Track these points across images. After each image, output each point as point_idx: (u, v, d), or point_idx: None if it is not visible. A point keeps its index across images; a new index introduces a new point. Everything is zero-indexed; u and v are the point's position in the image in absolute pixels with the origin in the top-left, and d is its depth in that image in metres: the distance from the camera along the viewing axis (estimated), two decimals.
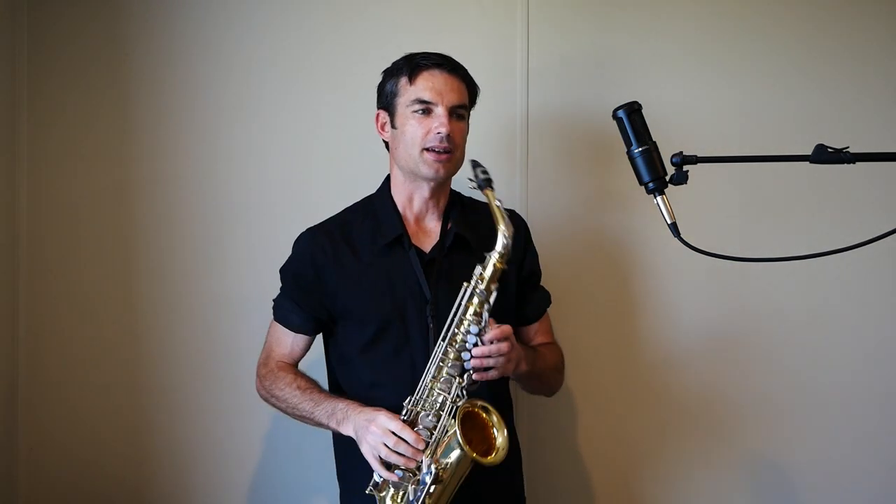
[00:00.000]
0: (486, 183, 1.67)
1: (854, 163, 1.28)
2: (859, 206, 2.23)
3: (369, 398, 1.72)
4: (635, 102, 1.42)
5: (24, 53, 2.17)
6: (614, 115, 1.42)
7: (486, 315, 1.62)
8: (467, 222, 1.81)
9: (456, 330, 1.64)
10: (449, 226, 1.81)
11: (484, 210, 1.79)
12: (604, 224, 2.25)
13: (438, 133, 1.70)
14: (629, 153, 1.41)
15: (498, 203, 1.64)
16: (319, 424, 1.75)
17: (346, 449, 1.80)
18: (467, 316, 1.63)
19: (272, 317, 1.87)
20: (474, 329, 1.62)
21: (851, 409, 2.27)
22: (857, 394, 2.27)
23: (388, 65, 1.83)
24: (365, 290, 1.77)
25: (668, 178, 1.38)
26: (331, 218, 1.87)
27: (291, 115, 2.22)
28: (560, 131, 2.25)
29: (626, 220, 2.24)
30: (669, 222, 1.37)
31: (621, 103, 1.42)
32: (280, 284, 1.88)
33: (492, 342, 1.61)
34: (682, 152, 1.34)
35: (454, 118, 1.74)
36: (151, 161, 2.20)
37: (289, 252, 1.86)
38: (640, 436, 2.27)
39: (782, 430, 2.27)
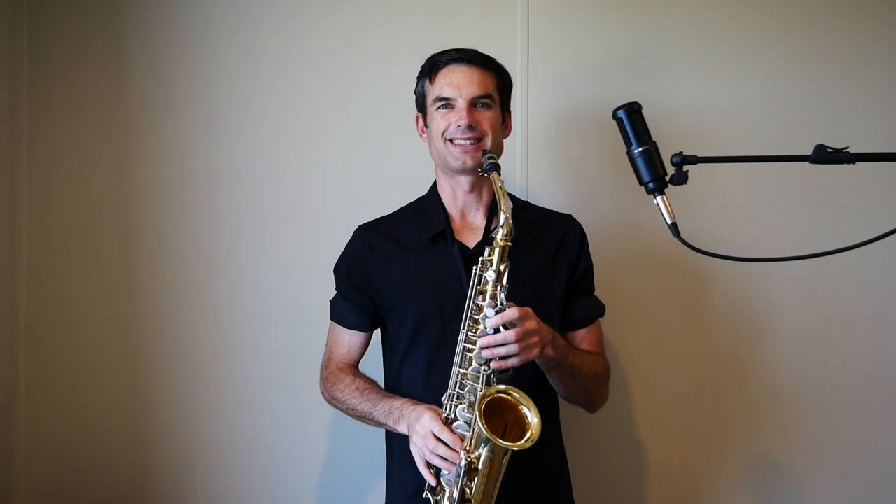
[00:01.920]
0: (491, 167, 1.68)
1: (854, 163, 1.28)
2: (859, 206, 2.23)
3: (413, 393, 1.72)
4: (635, 102, 1.41)
5: (24, 53, 2.17)
6: (614, 116, 1.42)
7: (501, 297, 1.57)
8: (516, 223, 1.69)
9: (475, 317, 1.61)
10: (495, 223, 1.77)
11: (536, 212, 1.84)
12: (604, 224, 2.24)
13: (458, 125, 1.73)
14: (629, 153, 1.41)
15: (500, 184, 1.65)
16: (379, 424, 1.74)
17: (392, 454, 1.82)
18: (486, 301, 1.59)
19: (329, 317, 1.88)
20: (490, 313, 1.56)
21: (852, 409, 2.27)
22: (857, 393, 2.27)
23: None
24: (407, 284, 1.78)
25: (667, 178, 1.37)
26: (383, 216, 1.90)
27: (293, 116, 2.22)
28: (560, 131, 2.25)
29: (626, 220, 2.24)
30: (669, 222, 1.37)
31: (621, 103, 1.42)
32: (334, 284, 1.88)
33: (496, 330, 1.55)
34: (682, 152, 1.34)
35: (479, 108, 1.75)
36: (152, 162, 2.20)
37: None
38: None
39: (787, 429, 2.27)
